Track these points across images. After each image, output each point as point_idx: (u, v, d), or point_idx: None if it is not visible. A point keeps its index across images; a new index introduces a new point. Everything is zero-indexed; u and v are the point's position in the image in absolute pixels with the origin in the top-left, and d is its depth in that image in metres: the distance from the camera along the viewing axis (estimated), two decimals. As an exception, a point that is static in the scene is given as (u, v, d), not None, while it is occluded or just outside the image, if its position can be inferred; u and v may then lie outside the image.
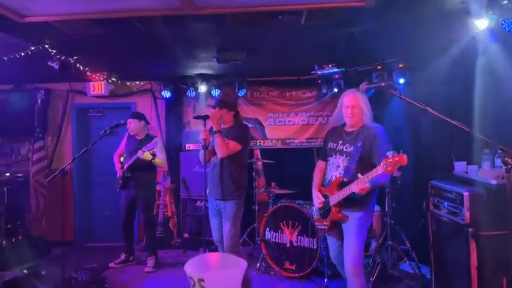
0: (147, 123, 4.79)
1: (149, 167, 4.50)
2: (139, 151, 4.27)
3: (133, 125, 4.59)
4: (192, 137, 5.69)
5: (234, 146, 3.31)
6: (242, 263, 2.63)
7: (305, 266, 4.09)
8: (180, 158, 5.70)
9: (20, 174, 5.56)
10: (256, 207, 5.07)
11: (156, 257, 4.69)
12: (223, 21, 3.31)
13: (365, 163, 2.76)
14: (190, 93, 5.69)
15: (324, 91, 5.50)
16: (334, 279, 3.88)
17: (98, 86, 5.60)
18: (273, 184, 4.98)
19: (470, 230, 2.75)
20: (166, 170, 5.38)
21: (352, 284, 2.80)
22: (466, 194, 2.80)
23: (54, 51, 3.93)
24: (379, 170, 2.50)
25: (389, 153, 2.50)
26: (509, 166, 2.39)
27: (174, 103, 5.96)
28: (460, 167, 3.28)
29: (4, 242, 4.66)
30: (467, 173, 3.16)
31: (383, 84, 4.15)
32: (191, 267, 2.53)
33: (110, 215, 5.72)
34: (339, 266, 3.04)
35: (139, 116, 4.69)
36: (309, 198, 3.33)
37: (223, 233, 3.39)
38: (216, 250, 3.63)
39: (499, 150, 2.88)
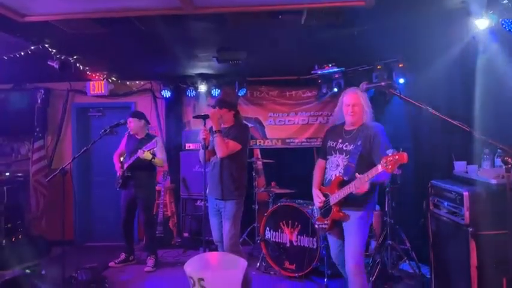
0: (147, 122, 4.79)
1: (149, 166, 4.50)
2: (139, 150, 4.26)
3: (133, 124, 4.59)
4: (192, 136, 5.69)
5: (234, 145, 3.31)
6: (242, 263, 2.63)
7: (305, 265, 4.09)
8: (180, 157, 5.70)
9: (19, 174, 5.56)
10: (256, 207, 5.07)
11: (156, 257, 4.69)
12: (223, 21, 3.31)
13: (365, 162, 2.75)
14: (190, 92, 5.69)
15: (324, 91, 5.50)
16: (334, 279, 3.88)
17: (97, 85, 5.60)
18: (273, 184, 4.98)
19: (470, 229, 2.75)
20: (166, 169, 5.38)
21: (353, 283, 2.80)
22: (466, 193, 2.80)
23: (54, 50, 3.93)
24: (379, 169, 2.50)
25: (389, 152, 2.50)
26: (509, 166, 2.40)
27: (174, 103, 5.96)
28: (460, 166, 3.28)
29: (4, 242, 4.66)
30: (467, 172, 3.16)
31: (383, 83, 4.16)
32: (191, 266, 2.53)
33: (110, 214, 5.73)
34: (340, 265, 3.04)
35: (140, 115, 4.69)
36: (309, 197, 3.33)
37: (223, 233, 3.39)
38: (216, 250, 3.63)
39: (499, 150, 2.89)
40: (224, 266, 2.76)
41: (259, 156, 5.71)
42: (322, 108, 5.86)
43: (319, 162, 3.14)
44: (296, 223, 4.25)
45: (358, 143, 2.81)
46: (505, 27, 2.74)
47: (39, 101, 5.71)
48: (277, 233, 4.39)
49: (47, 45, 3.81)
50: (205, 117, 3.30)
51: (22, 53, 3.87)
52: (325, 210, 2.94)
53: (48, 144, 5.94)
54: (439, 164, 3.93)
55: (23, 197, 5.47)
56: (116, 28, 3.45)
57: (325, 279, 3.92)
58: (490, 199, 2.72)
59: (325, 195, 2.95)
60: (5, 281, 3.32)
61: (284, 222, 4.34)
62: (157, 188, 5.04)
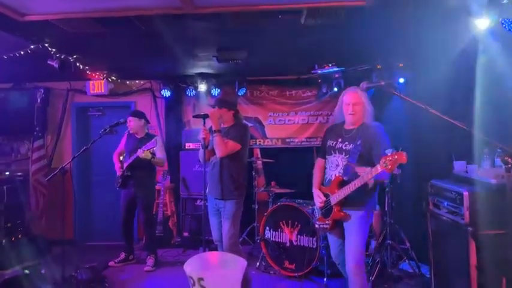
0: (147, 121, 4.79)
1: (149, 166, 4.50)
2: (139, 150, 4.26)
3: (133, 123, 4.59)
4: (191, 136, 5.69)
5: (234, 145, 3.31)
6: (242, 262, 2.63)
7: (305, 265, 4.08)
8: (180, 157, 5.70)
9: (19, 173, 5.55)
10: (256, 206, 5.07)
11: (156, 256, 4.69)
12: (223, 21, 3.31)
13: (364, 161, 2.75)
14: (190, 92, 5.68)
15: (324, 90, 5.51)
16: (333, 279, 3.88)
17: (97, 84, 5.59)
18: (272, 183, 4.98)
19: (470, 229, 2.75)
20: (166, 169, 5.39)
21: (354, 282, 2.80)
22: (465, 193, 2.80)
23: (53, 50, 3.92)
24: (379, 168, 2.49)
25: (389, 151, 2.49)
26: (509, 165, 2.40)
27: (174, 102, 5.96)
28: (459, 166, 3.28)
29: (4, 241, 4.66)
30: (467, 172, 3.16)
31: (383, 83, 4.16)
32: (191, 266, 2.52)
33: (110, 213, 5.72)
34: (340, 264, 3.04)
35: (140, 115, 4.69)
36: (308, 197, 3.33)
37: (222, 233, 3.39)
38: (215, 249, 3.64)
39: (498, 150, 2.89)
40: (224, 266, 2.75)
41: (259, 155, 5.71)
42: (322, 107, 5.86)
43: (319, 162, 3.14)
44: (296, 223, 4.25)
45: (358, 143, 2.81)
46: (505, 27, 2.73)
47: (38, 100, 5.71)
48: (277, 232, 4.39)
49: (46, 45, 3.80)
50: (205, 116, 3.30)
51: (22, 52, 3.86)
52: (326, 210, 2.94)
53: (48, 143, 5.94)
54: (438, 163, 3.92)
55: (23, 197, 5.45)
56: (115, 27, 3.44)
57: (325, 279, 3.93)
58: (490, 199, 2.72)
59: (326, 195, 2.95)
60: (5, 281, 3.33)
61: (284, 221, 4.34)
62: (157, 187, 5.04)
